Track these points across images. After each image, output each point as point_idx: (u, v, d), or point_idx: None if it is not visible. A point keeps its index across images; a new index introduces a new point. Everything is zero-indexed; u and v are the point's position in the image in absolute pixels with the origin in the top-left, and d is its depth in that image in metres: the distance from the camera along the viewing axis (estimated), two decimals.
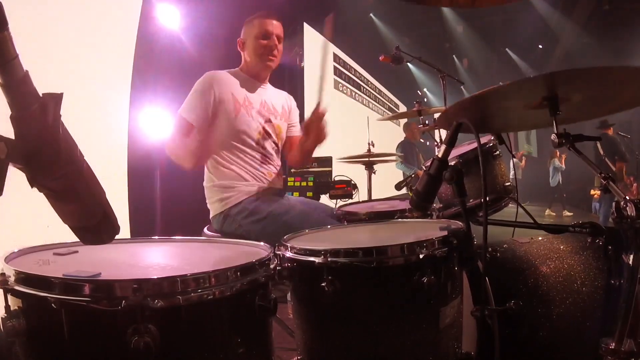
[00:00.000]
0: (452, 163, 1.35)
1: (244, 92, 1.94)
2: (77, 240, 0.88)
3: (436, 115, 3.16)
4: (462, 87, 3.97)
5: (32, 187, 0.76)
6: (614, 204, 0.99)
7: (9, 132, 0.70)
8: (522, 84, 1.07)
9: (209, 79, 1.89)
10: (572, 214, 9.97)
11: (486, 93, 1.07)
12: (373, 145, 3.40)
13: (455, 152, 1.68)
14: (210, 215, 1.92)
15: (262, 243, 1.12)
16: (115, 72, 2.81)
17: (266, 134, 1.98)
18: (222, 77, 1.93)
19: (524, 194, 11.87)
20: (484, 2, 1.27)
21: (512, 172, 12.09)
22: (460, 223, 1.26)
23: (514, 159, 12.34)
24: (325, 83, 1.83)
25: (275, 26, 1.97)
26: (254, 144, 1.94)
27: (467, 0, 1.24)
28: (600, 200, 7.05)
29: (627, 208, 0.95)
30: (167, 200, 3.21)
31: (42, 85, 0.72)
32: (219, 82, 1.88)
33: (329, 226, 1.54)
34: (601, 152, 6.28)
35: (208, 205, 1.93)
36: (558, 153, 10.58)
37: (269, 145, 2.00)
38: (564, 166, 10.63)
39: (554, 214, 10.13)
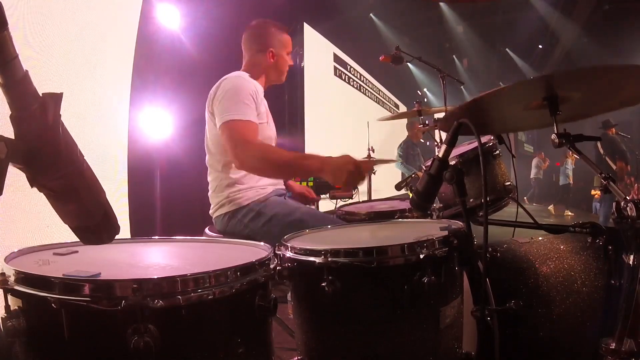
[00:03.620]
0: (452, 163, 1.35)
1: (262, 95, 1.93)
2: (77, 240, 0.88)
3: (436, 116, 3.16)
4: (462, 87, 3.97)
5: (32, 187, 0.76)
6: (614, 204, 0.99)
7: (9, 132, 0.71)
8: (521, 86, 1.07)
9: (244, 82, 1.82)
10: (573, 214, 9.98)
11: (485, 96, 1.07)
12: (373, 151, 3.40)
13: (455, 151, 1.68)
14: (214, 216, 1.91)
15: (262, 243, 1.12)
16: (115, 72, 2.81)
17: (275, 139, 2.02)
18: (250, 80, 1.89)
19: (543, 195, 11.87)
20: None
21: (532, 172, 12.12)
22: (461, 223, 1.26)
23: (535, 159, 12.32)
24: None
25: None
26: None
27: None
28: (601, 200, 7.05)
29: (628, 208, 0.95)
30: (167, 200, 3.21)
31: (42, 85, 0.72)
32: (254, 85, 1.85)
33: (329, 226, 1.54)
34: (601, 151, 6.29)
35: (212, 207, 1.92)
36: (571, 153, 10.54)
37: None
38: (572, 167, 10.61)
39: (554, 213, 10.14)
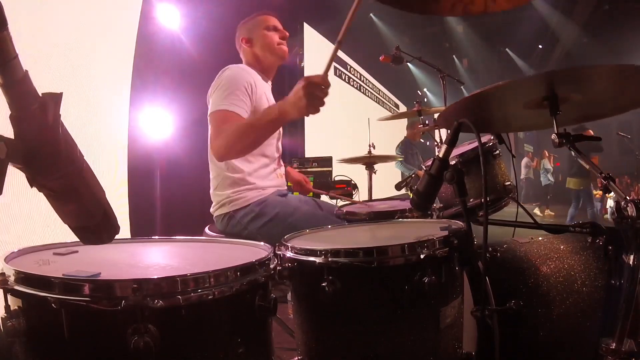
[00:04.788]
0: (452, 163, 1.35)
1: (264, 89, 1.91)
2: (77, 240, 0.88)
3: (436, 116, 3.15)
4: (462, 87, 3.97)
5: (32, 187, 0.76)
6: (614, 203, 0.99)
7: (9, 132, 0.70)
8: (521, 82, 1.07)
9: (243, 73, 1.80)
10: (553, 213, 10.05)
11: (485, 92, 1.07)
12: (374, 147, 3.39)
13: (455, 151, 1.68)
14: (215, 215, 1.91)
15: (262, 243, 1.12)
16: (115, 72, 2.81)
17: (278, 135, 1.99)
18: (250, 71, 1.86)
19: (537, 195, 11.88)
20: (497, 6, 1.26)
21: (523, 172, 12.16)
22: (461, 223, 1.26)
23: (524, 160, 12.36)
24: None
25: (278, 22, 2.01)
26: (275, 144, 1.95)
27: (480, 7, 1.24)
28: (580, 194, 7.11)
29: (628, 208, 0.95)
30: (167, 200, 3.21)
31: (42, 85, 0.72)
32: (252, 77, 1.82)
33: (329, 226, 1.54)
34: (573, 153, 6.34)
35: (213, 205, 1.91)
36: (547, 153, 10.66)
37: (280, 146, 2.02)
38: (551, 167, 10.70)
39: (553, 213, 10.18)
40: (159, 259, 1.11)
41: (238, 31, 2.03)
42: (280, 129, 1.98)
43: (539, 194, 11.60)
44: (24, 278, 0.79)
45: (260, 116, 1.59)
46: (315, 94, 1.37)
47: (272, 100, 1.97)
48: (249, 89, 1.76)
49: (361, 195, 3.59)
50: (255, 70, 1.95)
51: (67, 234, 0.89)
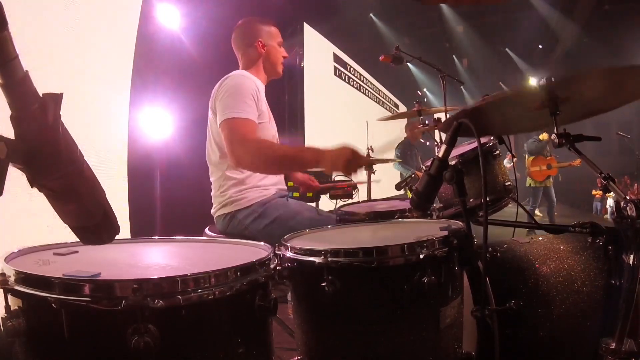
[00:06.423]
0: (452, 163, 1.35)
1: (263, 94, 1.93)
2: (77, 240, 0.88)
3: (436, 116, 3.15)
4: (462, 87, 3.98)
5: (32, 187, 0.76)
6: (614, 203, 0.99)
7: (9, 132, 0.71)
8: (521, 92, 1.06)
9: (247, 81, 1.83)
10: (541, 215, 10.02)
11: (486, 103, 1.07)
12: (372, 150, 3.39)
13: (455, 151, 1.68)
14: (215, 215, 1.91)
15: (262, 243, 1.12)
16: (115, 72, 2.81)
17: (276, 137, 2.01)
18: (252, 78, 1.89)
19: (521, 195, 11.86)
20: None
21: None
22: (461, 223, 1.26)
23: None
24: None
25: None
26: None
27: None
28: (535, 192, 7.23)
29: (628, 208, 0.95)
30: (167, 200, 3.21)
31: (42, 85, 0.72)
32: (255, 83, 1.85)
33: (329, 226, 1.54)
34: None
35: (214, 207, 1.91)
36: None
37: None
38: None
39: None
40: (159, 259, 1.11)
41: (253, 30, 2.00)
42: (276, 131, 1.99)
43: (522, 195, 11.56)
44: (24, 278, 0.79)
45: (298, 153, 1.69)
46: (355, 165, 1.52)
47: (266, 103, 1.97)
48: (255, 96, 1.80)
49: (361, 195, 3.59)
50: (254, 74, 1.96)
51: (67, 234, 0.89)
